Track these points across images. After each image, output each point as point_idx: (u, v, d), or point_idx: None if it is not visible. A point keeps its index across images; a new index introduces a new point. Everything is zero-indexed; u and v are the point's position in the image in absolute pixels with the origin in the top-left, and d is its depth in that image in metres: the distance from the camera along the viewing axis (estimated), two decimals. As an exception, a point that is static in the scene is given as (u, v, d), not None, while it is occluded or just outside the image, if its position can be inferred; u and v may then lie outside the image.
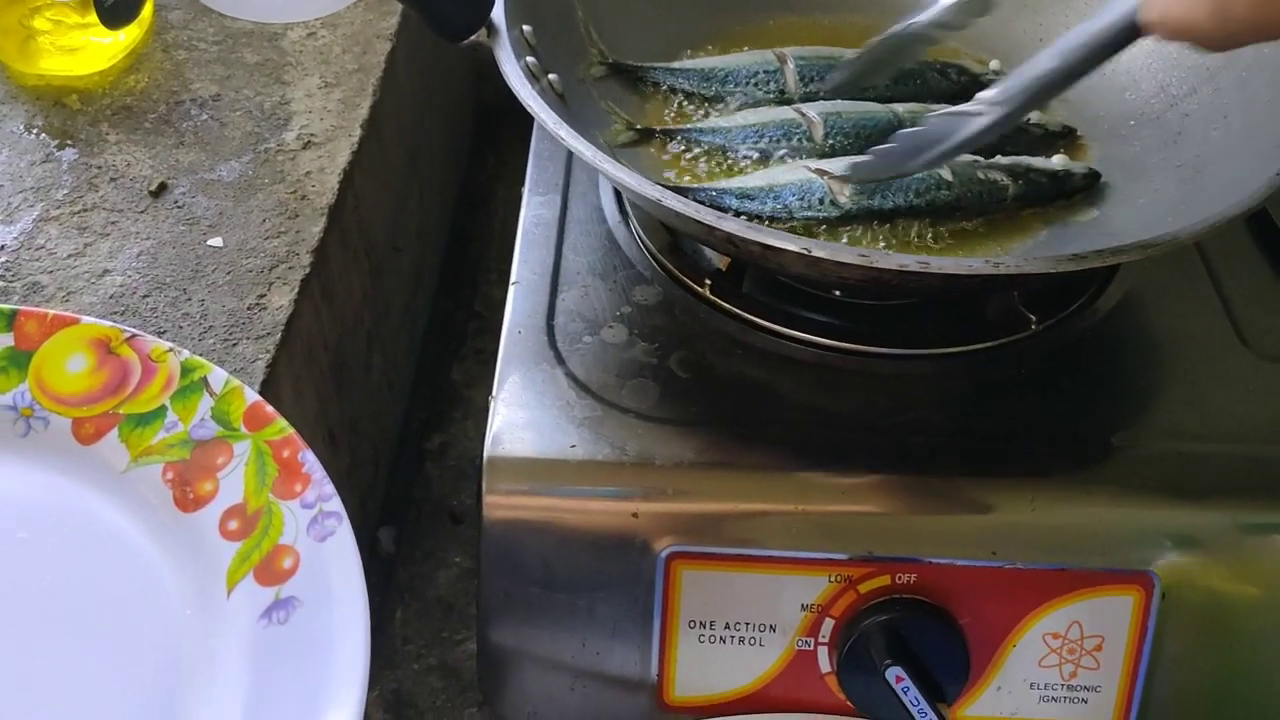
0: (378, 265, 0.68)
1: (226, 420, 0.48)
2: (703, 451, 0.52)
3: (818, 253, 0.48)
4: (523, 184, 0.65)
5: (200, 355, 0.51)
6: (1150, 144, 0.62)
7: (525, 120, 0.56)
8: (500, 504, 0.51)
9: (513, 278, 0.59)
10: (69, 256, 0.58)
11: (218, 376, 0.49)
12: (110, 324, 0.51)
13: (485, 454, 0.52)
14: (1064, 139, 0.63)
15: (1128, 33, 0.46)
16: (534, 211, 0.63)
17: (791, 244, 0.48)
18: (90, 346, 0.50)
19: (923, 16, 0.60)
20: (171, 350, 0.50)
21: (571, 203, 0.64)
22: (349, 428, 0.64)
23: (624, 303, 0.58)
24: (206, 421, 0.48)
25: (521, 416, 0.53)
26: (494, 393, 0.54)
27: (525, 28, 0.59)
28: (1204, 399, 0.55)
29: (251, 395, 0.48)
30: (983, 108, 0.51)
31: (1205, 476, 0.52)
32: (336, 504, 0.45)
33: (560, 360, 0.55)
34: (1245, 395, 0.55)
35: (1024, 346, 0.57)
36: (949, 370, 0.57)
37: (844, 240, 0.57)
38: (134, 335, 0.50)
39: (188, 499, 0.46)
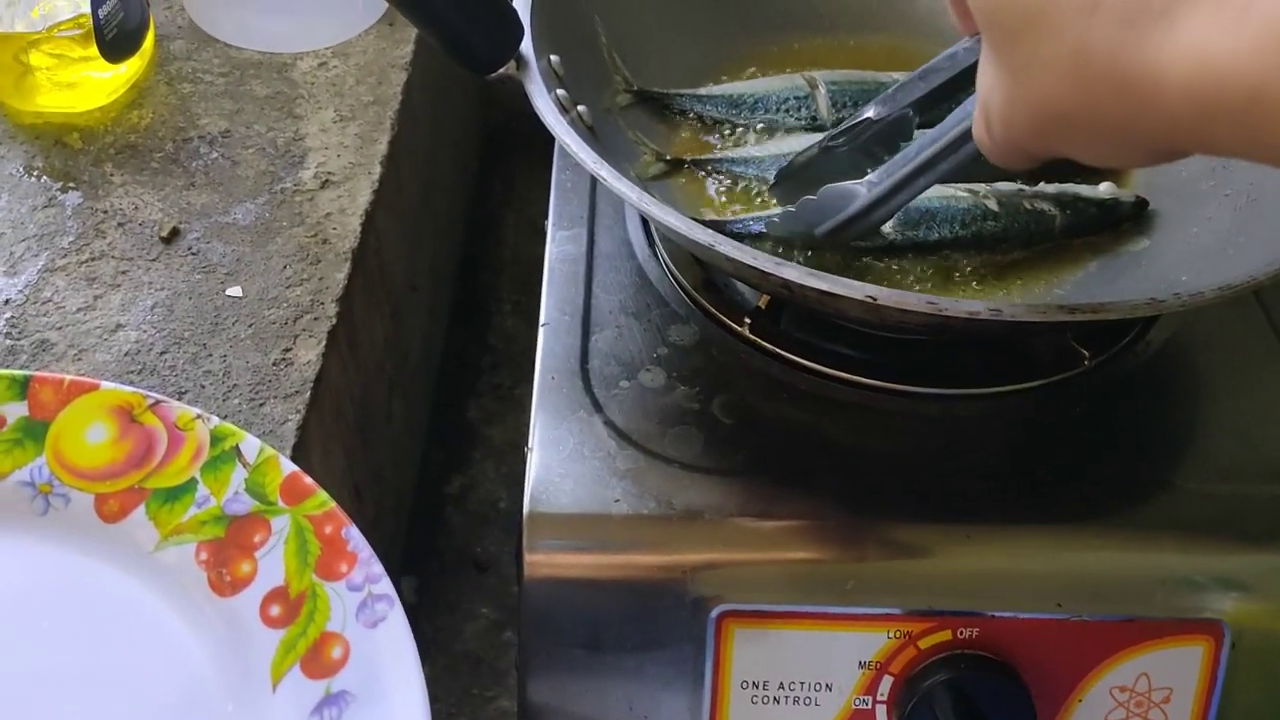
0: (397, 307, 0.65)
1: (262, 493, 0.45)
2: (752, 504, 0.50)
3: (883, 300, 0.46)
4: (542, 215, 0.62)
5: (226, 417, 0.48)
6: (1198, 170, 0.59)
7: (534, 145, 0.54)
8: (542, 562, 0.49)
9: (541, 319, 0.57)
10: (78, 310, 0.55)
11: (250, 445, 0.46)
12: (132, 389, 0.48)
13: (525, 510, 0.49)
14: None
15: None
16: (559, 247, 0.60)
17: (854, 291, 0.46)
18: (111, 415, 0.47)
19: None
20: (200, 417, 0.47)
21: (598, 236, 0.61)
22: (373, 479, 0.61)
23: (660, 344, 0.56)
24: (241, 495, 0.45)
25: (560, 469, 0.50)
26: (529, 443, 0.52)
27: (553, 58, 0.57)
28: (1265, 437, 0.53)
29: (288, 465, 0.45)
30: (863, 188, 0.51)
31: (1273, 519, 0.50)
32: (386, 585, 0.42)
33: (598, 407, 0.53)
34: (1308, 432, 0.54)
35: (1077, 384, 0.55)
36: (1001, 410, 0.55)
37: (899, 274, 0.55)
38: (158, 401, 0.47)
39: (224, 581, 0.44)
